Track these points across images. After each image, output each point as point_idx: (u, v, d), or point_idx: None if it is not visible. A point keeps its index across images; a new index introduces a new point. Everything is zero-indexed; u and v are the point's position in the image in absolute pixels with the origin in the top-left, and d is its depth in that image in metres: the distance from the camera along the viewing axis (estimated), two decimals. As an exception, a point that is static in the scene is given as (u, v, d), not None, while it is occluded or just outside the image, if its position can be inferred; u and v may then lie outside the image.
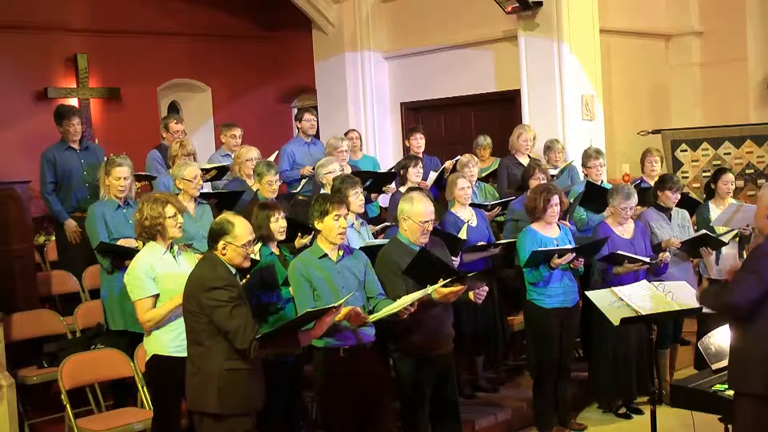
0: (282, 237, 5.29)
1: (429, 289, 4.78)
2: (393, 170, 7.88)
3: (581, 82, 9.07)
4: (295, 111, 12.55)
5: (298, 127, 8.64)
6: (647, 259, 6.34)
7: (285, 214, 5.38)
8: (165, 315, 4.75)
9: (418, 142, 8.38)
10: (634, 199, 6.55)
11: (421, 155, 8.18)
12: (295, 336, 4.39)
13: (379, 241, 5.98)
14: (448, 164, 7.97)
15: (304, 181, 7.93)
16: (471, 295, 5.10)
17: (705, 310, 4.69)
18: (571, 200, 7.08)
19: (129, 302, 5.03)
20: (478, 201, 7.38)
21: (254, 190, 6.88)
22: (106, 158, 6.69)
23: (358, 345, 4.82)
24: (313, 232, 5.14)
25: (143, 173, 7.54)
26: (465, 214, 6.69)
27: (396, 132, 10.84)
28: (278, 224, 5.23)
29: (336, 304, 4.41)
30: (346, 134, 8.66)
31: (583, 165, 7.66)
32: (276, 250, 5.28)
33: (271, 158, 7.76)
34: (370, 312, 4.84)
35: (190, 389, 4.43)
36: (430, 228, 5.16)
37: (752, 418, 4.22)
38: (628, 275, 6.28)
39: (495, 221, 7.38)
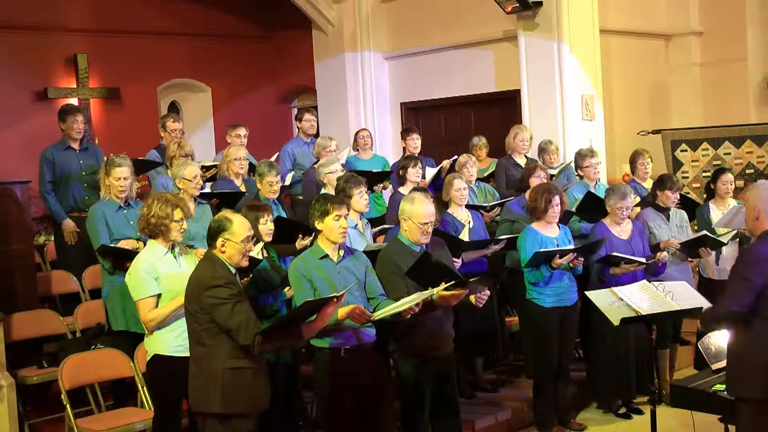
0: (269, 239, 5.31)
1: (432, 291, 4.77)
2: (391, 170, 7.89)
3: (581, 82, 9.07)
4: (295, 111, 12.55)
5: (298, 127, 8.64)
6: (643, 260, 6.34)
7: (281, 214, 5.39)
8: (168, 315, 4.75)
9: (415, 143, 8.38)
10: (630, 199, 6.54)
11: (418, 156, 8.17)
12: (297, 329, 4.39)
13: (378, 245, 5.98)
14: (446, 163, 7.97)
15: (290, 175, 7.93)
16: (472, 298, 5.10)
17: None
18: (573, 208, 7.06)
19: (130, 302, 5.04)
20: (476, 201, 7.37)
21: (241, 189, 6.89)
22: (105, 159, 6.70)
23: (358, 345, 4.83)
24: (313, 234, 5.14)
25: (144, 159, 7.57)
26: (462, 215, 6.68)
27: (396, 132, 10.81)
28: (266, 226, 5.24)
29: (336, 295, 4.41)
30: (357, 134, 8.67)
31: (578, 167, 7.59)
32: (264, 252, 5.28)
33: (272, 159, 7.77)
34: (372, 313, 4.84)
35: (193, 391, 4.43)
36: (430, 229, 5.15)
37: (752, 423, 4.22)
38: (627, 275, 6.28)
39: (495, 221, 7.37)
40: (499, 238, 6.60)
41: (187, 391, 4.49)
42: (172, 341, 4.78)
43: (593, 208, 6.87)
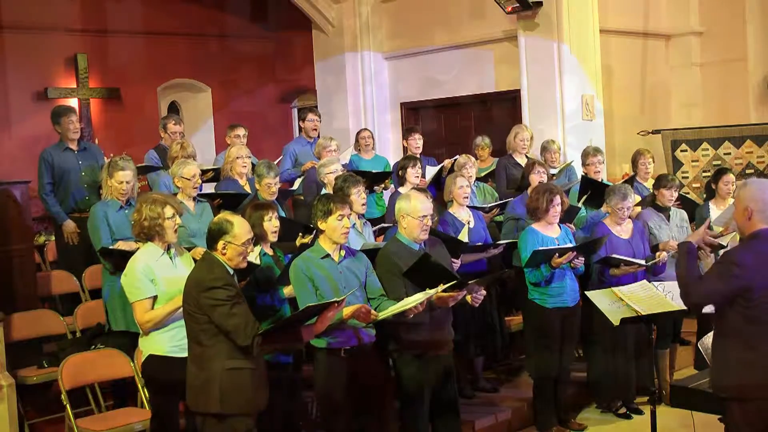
0: (275, 238, 5.28)
1: (431, 292, 4.77)
2: (392, 170, 7.90)
3: (581, 82, 9.07)
4: (295, 111, 12.57)
5: (301, 127, 8.63)
6: (642, 261, 6.34)
7: (280, 214, 5.37)
8: (164, 317, 4.74)
9: (417, 143, 8.39)
10: (631, 199, 6.55)
11: (419, 156, 8.17)
12: (297, 331, 4.39)
13: (375, 243, 5.97)
14: (447, 163, 7.97)
15: (298, 180, 7.94)
16: (468, 298, 5.10)
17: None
18: (578, 203, 7.06)
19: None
20: (476, 201, 7.37)
21: (246, 189, 6.87)
22: (107, 159, 6.70)
23: (358, 345, 4.83)
24: (314, 232, 5.14)
25: (144, 165, 7.56)
26: (463, 214, 6.67)
27: (396, 132, 10.85)
28: (271, 224, 5.22)
29: (338, 299, 4.41)
30: (358, 134, 8.67)
31: (582, 163, 7.71)
32: (270, 251, 5.28)
33: (276, 162, 7.78)
34: (373, 313, 4.84)
35: (191, 390, 4.43)
36: (429, 223, 5.15)
37: (740, 419, 4.23)
38: (627, 276, 6.29)
39: (494, 221, 7.37)
40: (499, 242, 6.61)
41: (183, 391, 4.49)
42: (167, 342, 4.77)
43: (594, 194, 6.91)
